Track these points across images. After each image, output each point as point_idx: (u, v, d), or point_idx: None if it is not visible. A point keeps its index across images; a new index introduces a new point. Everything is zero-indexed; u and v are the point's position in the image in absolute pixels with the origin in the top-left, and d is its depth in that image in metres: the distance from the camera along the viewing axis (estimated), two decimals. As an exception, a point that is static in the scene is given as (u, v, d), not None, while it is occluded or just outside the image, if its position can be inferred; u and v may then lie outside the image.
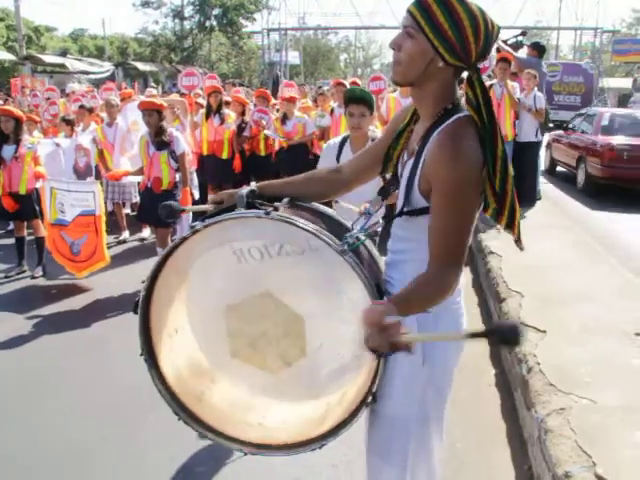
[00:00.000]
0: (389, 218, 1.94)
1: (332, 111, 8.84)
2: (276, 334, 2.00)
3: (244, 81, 36.24)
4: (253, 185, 2.07)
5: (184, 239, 1.89)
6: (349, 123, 4.02)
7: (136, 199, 8.11)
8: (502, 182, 1.76)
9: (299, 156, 8.77)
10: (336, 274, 1.86)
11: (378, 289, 1.83)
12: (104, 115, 8.56)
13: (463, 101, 1.79)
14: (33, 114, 10.20)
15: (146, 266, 6.59)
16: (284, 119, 8.83)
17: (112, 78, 23.79)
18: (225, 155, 8.62)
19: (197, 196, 7.83)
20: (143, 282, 1.97)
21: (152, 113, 5.75)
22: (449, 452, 3.14)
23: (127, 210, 8.72)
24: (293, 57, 42.99)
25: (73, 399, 3.96)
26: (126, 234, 8.10)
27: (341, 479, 3.07)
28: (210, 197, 2.26)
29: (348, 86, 9.12)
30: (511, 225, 1.85)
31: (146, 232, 8.00)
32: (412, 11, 1.67)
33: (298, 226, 1.78)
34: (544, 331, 4.06)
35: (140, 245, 7.91)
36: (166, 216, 2.07)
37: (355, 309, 1.76)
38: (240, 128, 8.77)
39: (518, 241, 1.89)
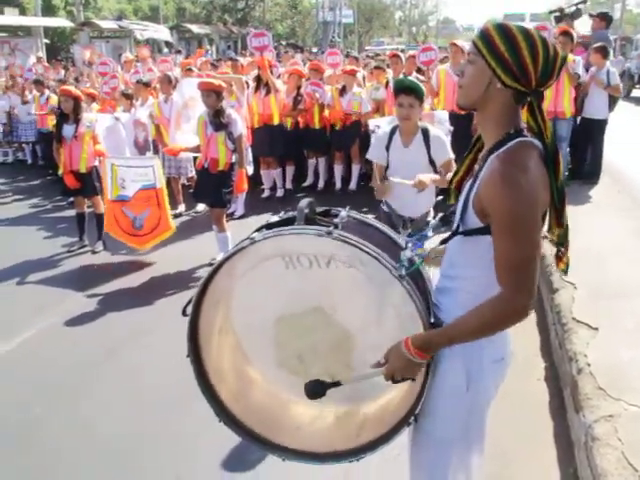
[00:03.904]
0: (446, 240, 1.97)
1: (387, 83, 8.71)
2: (324, 348, 2.07)
3: (297, 41, 35.84)
4: None
5: (241, 248, 1.92)
6: (398, 114, 4.00)
7: (192, 173, 8.25)
8: (560, 211, 1.85)
9: (352, 130, 8.77)
10: (389, 296, 1.91)
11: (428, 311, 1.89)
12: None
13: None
14: (95, 85, 10.40)
15: (200, 241, 6.82)
16: (342, 91, 8.76)
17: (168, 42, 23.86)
18: (276, 121, 8.70)
19: (251, 171, 7.90)
20: (196, 286, 2.01)
21: (210, 94, 5.76)
22: (496, 448, 3.15)
23: (183, 181, 8.82)
24: (347, 16, 42.15)
25: (129, 379, 4.14)
26: (182, 207, 8.30)
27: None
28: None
29: (403, 58, 8.98)
30: (563, 245, 1.93)
31: (200, 206, 8.14)
32: (474, 40, 1.80)
33: (360, 248, 1.82)
34: (596, 328, 3.98)
35: (195, 218, 8.10)
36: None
37: (404, 329, 1.85)
38: (296, 101, 8.79)
39: (562, 265, 1.98)
